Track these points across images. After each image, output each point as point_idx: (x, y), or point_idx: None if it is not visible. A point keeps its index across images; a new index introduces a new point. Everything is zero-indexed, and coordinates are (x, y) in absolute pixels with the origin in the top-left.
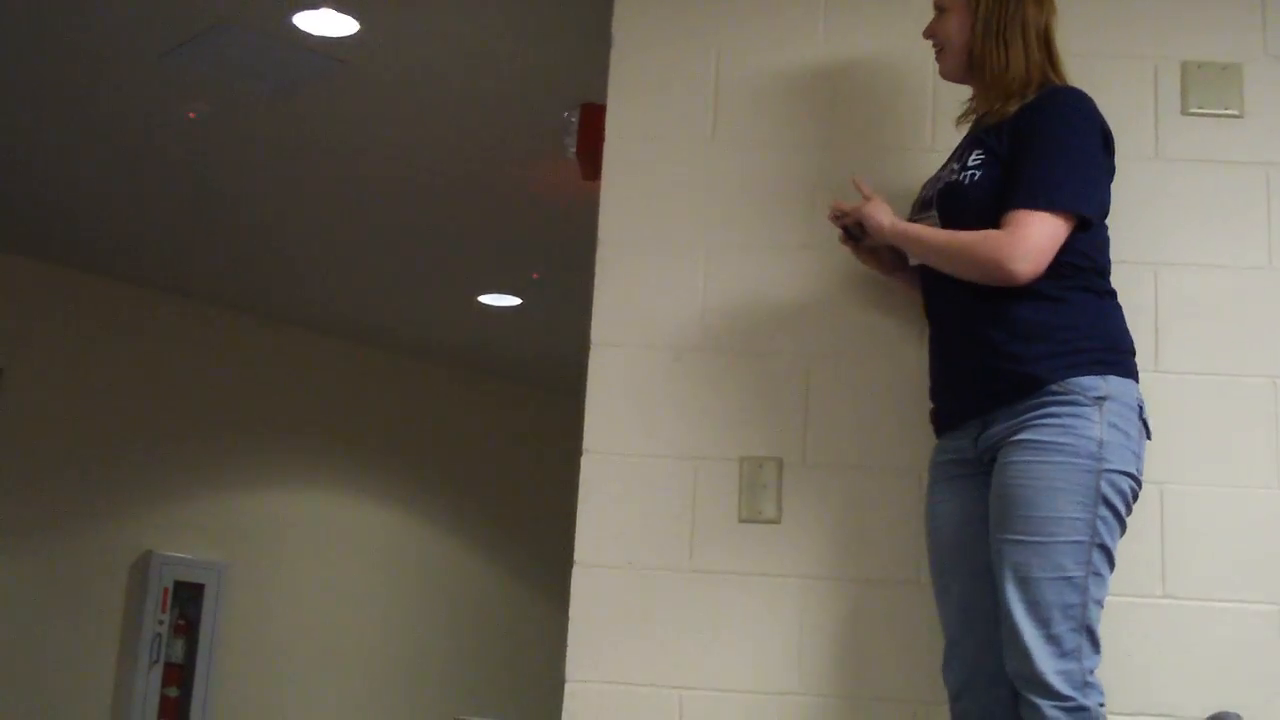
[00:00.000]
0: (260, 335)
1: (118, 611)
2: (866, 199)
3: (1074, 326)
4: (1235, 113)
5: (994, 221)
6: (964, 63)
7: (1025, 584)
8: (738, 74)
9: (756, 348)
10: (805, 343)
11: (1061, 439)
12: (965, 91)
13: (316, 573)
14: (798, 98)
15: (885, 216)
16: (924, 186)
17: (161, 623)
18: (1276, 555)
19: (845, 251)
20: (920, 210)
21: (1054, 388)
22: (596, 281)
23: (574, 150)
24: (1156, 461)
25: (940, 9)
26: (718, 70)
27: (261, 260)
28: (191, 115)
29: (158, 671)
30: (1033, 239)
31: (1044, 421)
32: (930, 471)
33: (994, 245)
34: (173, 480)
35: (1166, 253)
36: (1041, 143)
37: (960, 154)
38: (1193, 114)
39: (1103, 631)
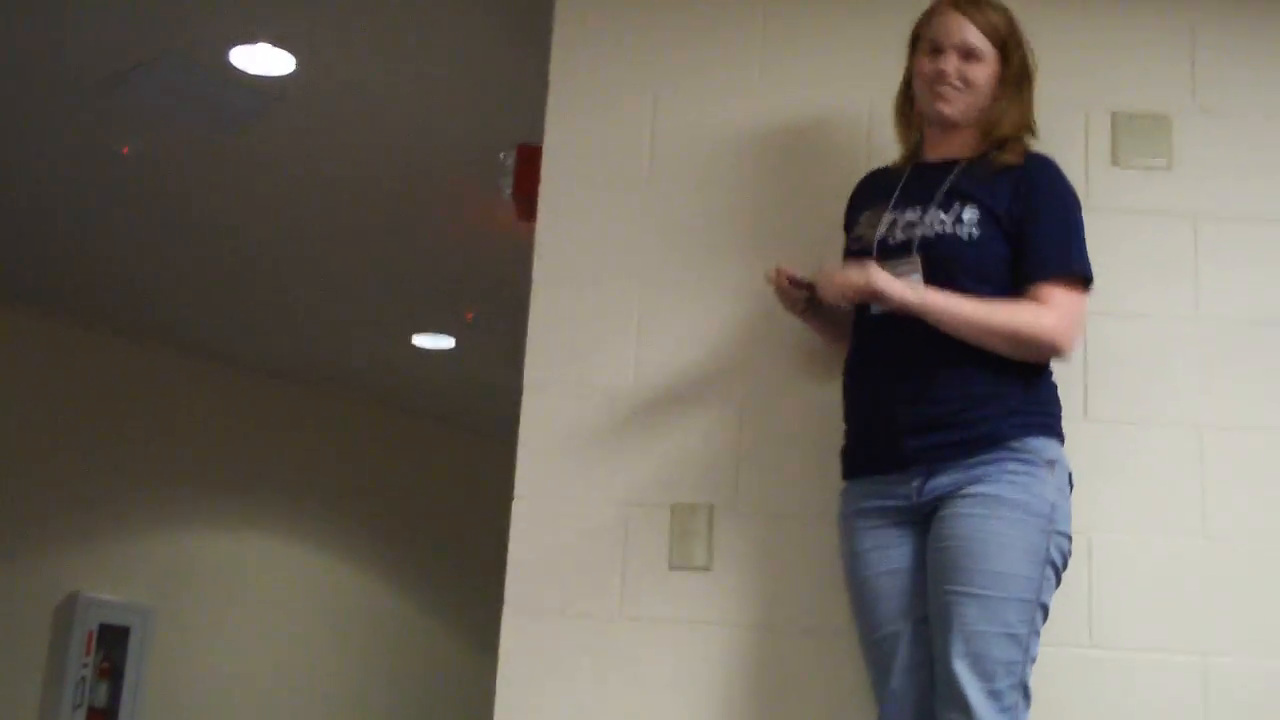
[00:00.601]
0: (191, 374)
1: (41, 653)
2: (866, 277)
3: (1030, 390)
4: (1164, 164)
5: (987, 279)
6: (979, 109)
7: (971, 638)
8: (674, 117)
9: (690, 393)
10: (739, 388)
11: (1018, 496)
12: (894, 137)
13: (245, 617)
14: (734, 142)
15: (901, 285)
16: (872, 226)
17: (86, 666)
18: (1202, 605)
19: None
20: (886, 257)
21: (1013, 444)
22: (530, 323)
23: (510, 191)
24: (1085, 510)
25: (971, 55)
26: (654, 113)
27: (190, 297)
28: (124, 150)
29: (80, 715)
30: (1076, 315)
31: (1002, 478)
32: (851, 517)
33: (1045, 326)
34: (100, 521)
35: (1096, 302)
36: (1058, 213)
37: (941, 203)
38: (1122, 166)
39: (1032, 682)
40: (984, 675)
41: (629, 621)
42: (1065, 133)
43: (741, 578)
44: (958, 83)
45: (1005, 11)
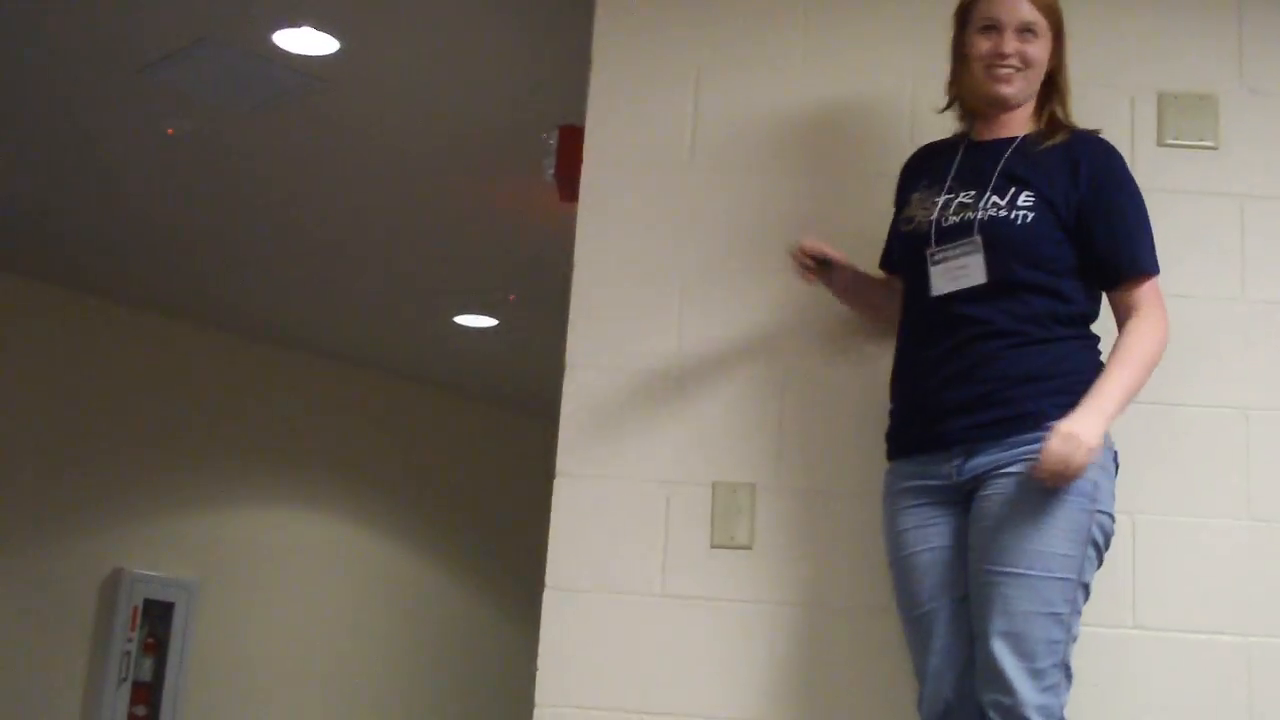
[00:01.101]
0: (234, 353)
1: (87, 629)
2: (1080, 453)
3: (1075, 371)
4: (1211, 144)
5: (1039, 263)
6: (1036, 87)
7: (1012, 617)
8: (716, 99)
9: (731, 372)
10: (780, 368)
11: None
12: (944, 118)
13: (287, 592)
14: (776, 124)
15: (1088, 430)
16: (925, 208)
17: (130, 641)
18: (1246, 586)
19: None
20: (943, 239)
21: (1055, 424)
22: (572, 304)
23: (552, 172)
24: (1129, 492)
25: (1030, 31)
26: (696, 94)
27: (236, 278)
28: (170, 131)
29: (126, 690)
30: (1162, 309)
31: None
32: (894, 497)
33: (1161, 337)
34: (144, 498)
35: None
36: (1136, 208)
37: (997, 186)
38: (1169, 145)
39: (1074, 662)
40: (1025, 655)
41: (670, 599)
42: (1112, 113)
43: (783, 556)
44: (1017, 62)
45: None
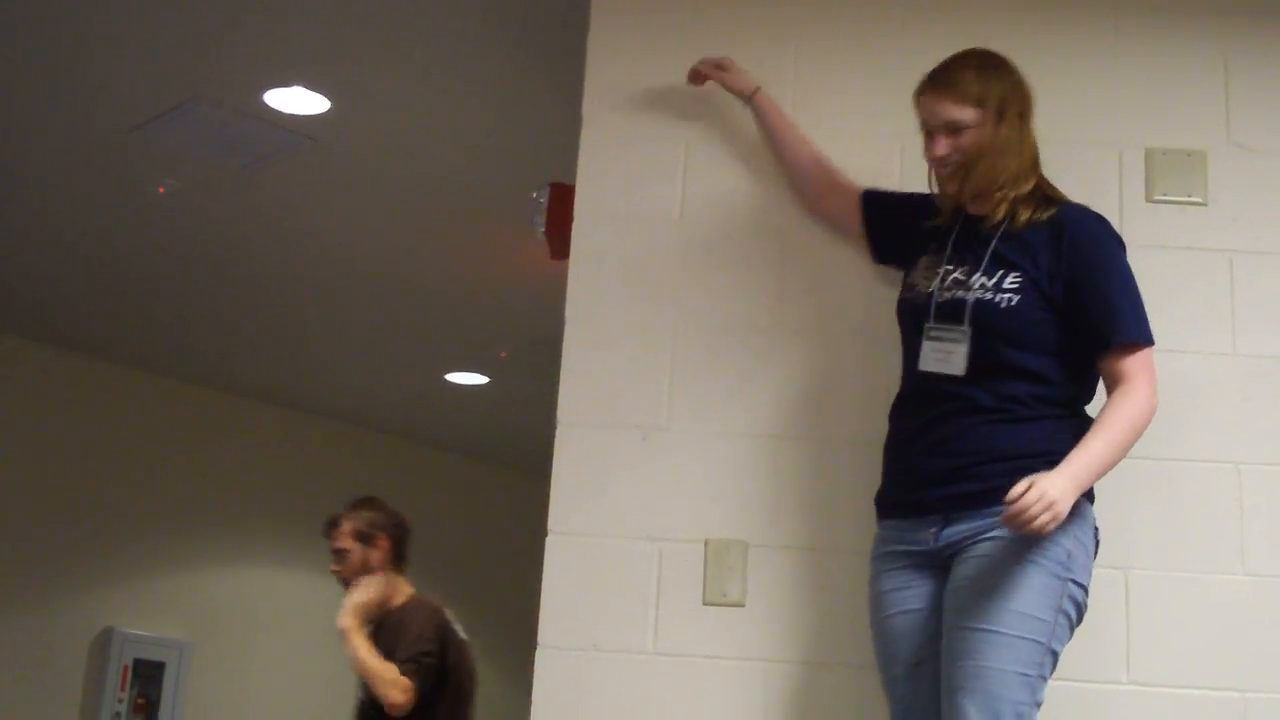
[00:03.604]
0: (224, 411)
1: (77, 688)
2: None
3: (1055, 452)
4: (1199, 200)
5: (1028, 342)
6: (996, 169)
7: (982, 674)
8: (707, 154)
9: (723, 429)
10: (772, 424)
11: (1033, 540)
12: (925, 174)
13: (279, 651)
14: (766, 179)
15: (1061, 492)
16: (927, 278)
17: (121, 701)
18: (1240, 642)
19: (814, 337)
20: (939, 317)
21: None
22: (564, 361)
23: (543, 230)
24: (1122, 547)
25: (957, 129)
26: (686, 152)
27: (227, 337)
28: (161, 190)
29: None
30: (1151, 380)
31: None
32: (878, 559)
33: (1147, 406)
34: (135, 557)
35: None
36: (1120, 274)
37: (987, 268)
38: (1157, 201)
39: (1070, 718)
40: (990, 713)
41: (663, 658)
42: (1100, 169)
43: (776, 613)
44: (952, 163)
45: (979, 61)
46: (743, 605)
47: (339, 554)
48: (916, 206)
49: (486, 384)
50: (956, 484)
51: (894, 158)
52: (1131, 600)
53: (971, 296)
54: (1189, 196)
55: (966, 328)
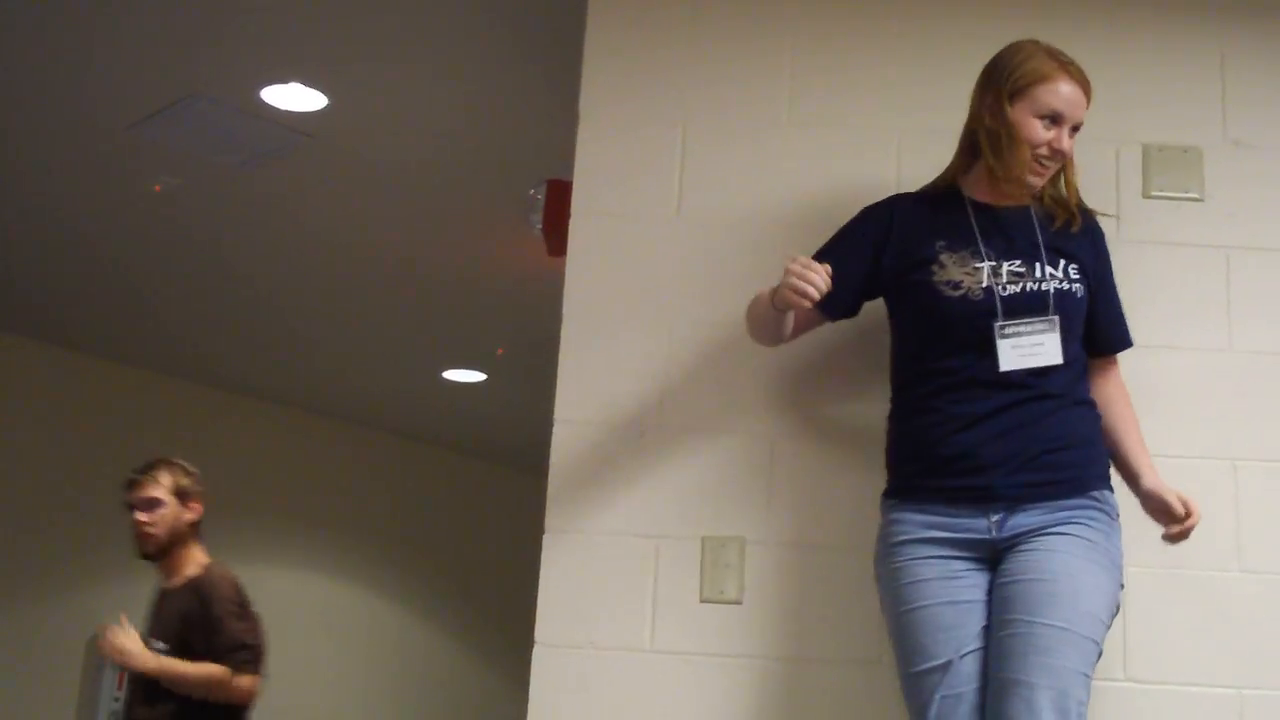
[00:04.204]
0: (218, 409)
1: (73, 687)
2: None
3: (1099, 439)
4: (1196, 196)
5: (1079, 333)
6: (1072, 179)
7: (1059, 673)
8: (704, 151)
9: (720, 426)
10: (769, 421)
11: (1105, 544)
12: (926, 170)
13: (275, 650)
14: (763, 175)
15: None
16: (967, 273)
17: (117, 700)
18: (1238, 638)
19: (812, 333)
20: (1011, 314)
21: (1095, 494)
22: (561, 358)
23: (540, 227)
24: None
25: (1077, 128)
26: (684, 147)
27: (222, 334)
28: (157, 188)
29: None
30: None
31: (1091, 524)
32: (912, 546)
33: None
34: (129, 555)
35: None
36: (1113, 281)
37: (1050, 259)
38: (1154, 197)
39: None
40: (1062, 711)
41: (659, 655)
42: (1097, 165)
43: (773, 610)
44: (1062, 158)
45: None
46: (740, 602)
47: (150, 503)
48: (860, 245)
49: (483, 381)
50: (1030, 472)
51: (890, 153)
52: (1130, 596)
53: (1050, 286)
54: (1185, 192)
55: (1054, 316)
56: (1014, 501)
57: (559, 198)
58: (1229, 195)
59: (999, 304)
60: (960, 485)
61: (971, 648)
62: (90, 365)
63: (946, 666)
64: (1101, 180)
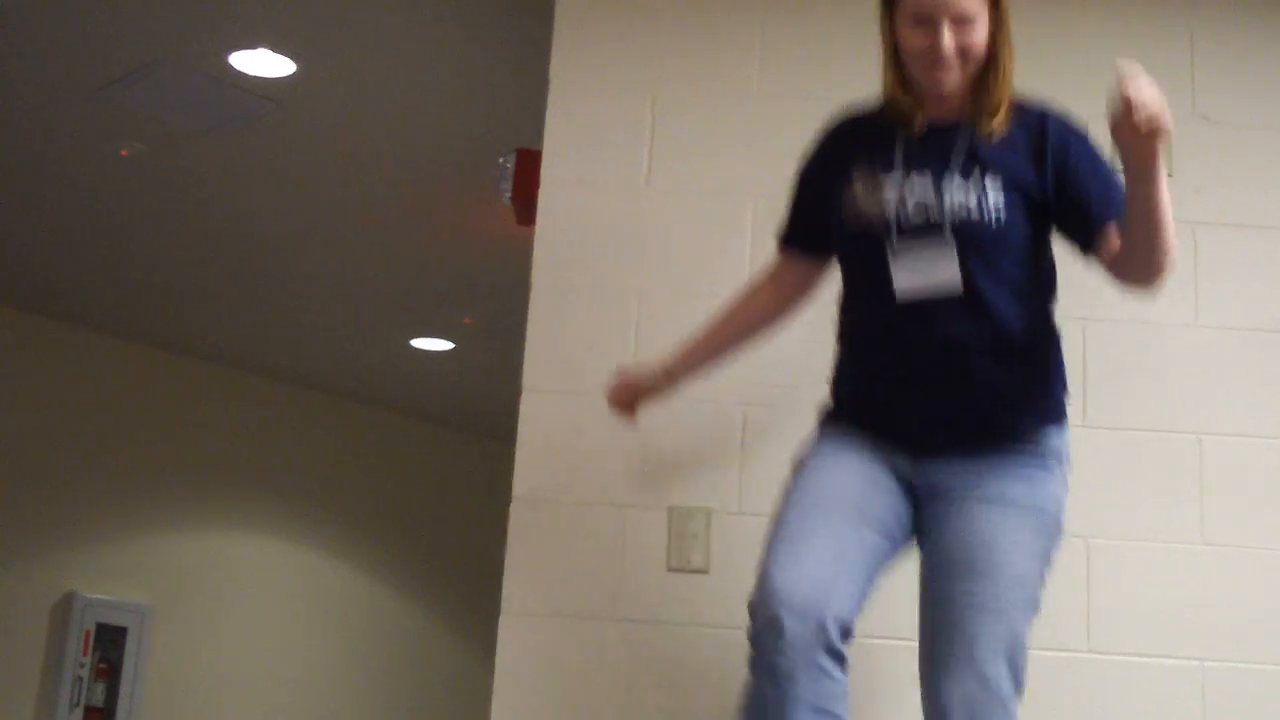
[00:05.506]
0: (188, 376)
1: (38, 653)
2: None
3: (1046, 378)
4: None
5: (1024, 261)
6: (975, 74)
7: (1001, 614)
8: (673, 120)
9: (687, 396)
10: (738, 392)
11: (1033, 501)
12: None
13: (240, 616)
14: (733, 144)
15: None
16: (873, 201)
17: (83, 665)
18: (1201, 611)
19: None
20: (908, 235)
21: (1027, 441)
22: (529, 326)
23: (509, 195)
24: (1084, 515)
25: (965, 21)
26: (653, 116)
27: (190, 300)
28: (124, 153)
29: (78, 715)
30: None
31: (1018, 475)
32: (835, 438)
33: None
34: (96, 521)
35: (1095, 309)
36: (1100, 153)
37: (962, 168)
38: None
39: (1030, 685)
40: (1015, 670)
41: (625, 623)
42: None
43: (739, 580)
44: (955, 58)
45: None
46: (706, 572)
47: None
48: (816, 179)
49: (451, 350)
50: (952, 425)
51: None
52: (1092, 569)
53: (954, 215)
54: None
55: (946, 238)
56: (937, 451)
57: (528, 167)
58: (1197, 171)
59: (894, 230)
60: (885, 428)
61: (873, 529)
62: (57, 331)
63: (846, 521)
64: None
